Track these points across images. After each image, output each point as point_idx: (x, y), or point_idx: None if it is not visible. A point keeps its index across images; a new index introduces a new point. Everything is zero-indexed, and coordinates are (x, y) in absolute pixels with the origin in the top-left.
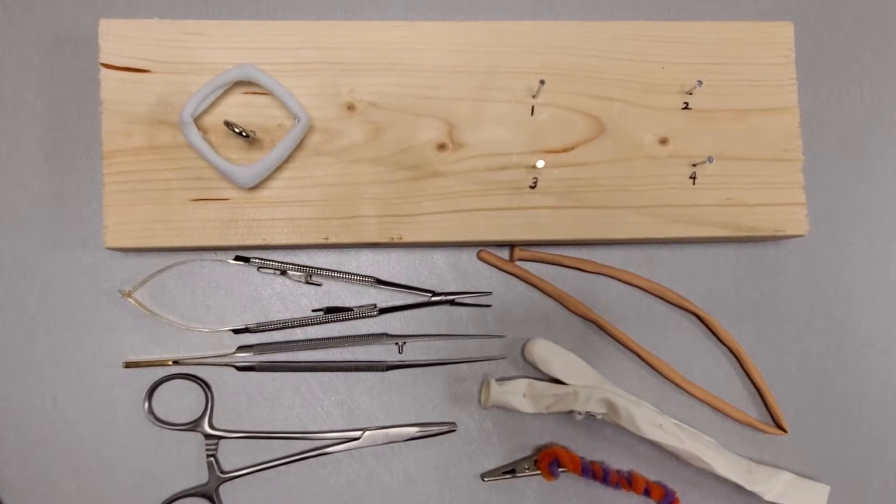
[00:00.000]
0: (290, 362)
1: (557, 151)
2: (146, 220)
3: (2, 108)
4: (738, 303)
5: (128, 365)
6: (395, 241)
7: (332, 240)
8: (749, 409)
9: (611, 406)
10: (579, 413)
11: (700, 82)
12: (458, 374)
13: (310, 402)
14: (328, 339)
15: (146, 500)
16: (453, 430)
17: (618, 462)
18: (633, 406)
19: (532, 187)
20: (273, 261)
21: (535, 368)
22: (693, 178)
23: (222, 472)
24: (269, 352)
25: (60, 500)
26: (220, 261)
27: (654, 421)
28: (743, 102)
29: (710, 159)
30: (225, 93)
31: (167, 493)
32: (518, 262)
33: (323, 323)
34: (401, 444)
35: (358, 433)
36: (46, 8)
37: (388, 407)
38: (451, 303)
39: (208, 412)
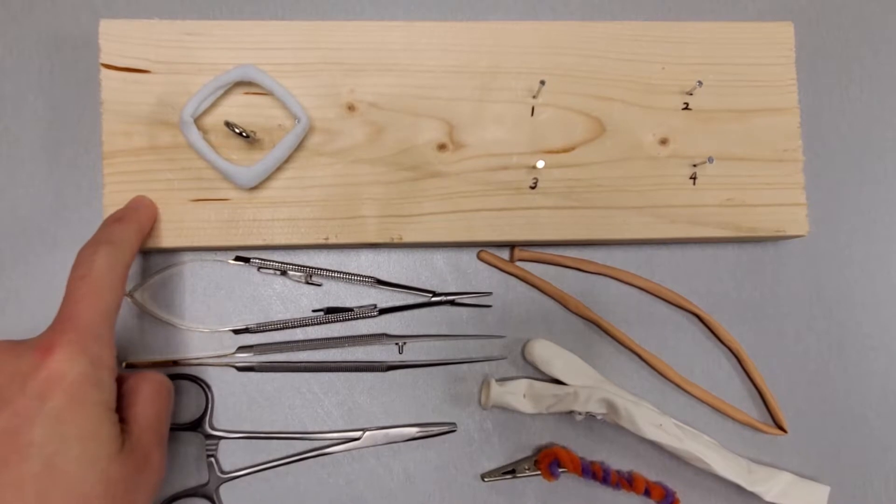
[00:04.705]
0: (290, 363)
1: (558, 152)
2: None
3: (2, 108)
4: (739, 303)
5: (128, 365)
6: (396, 241)
7: (333, 240)
8: (749, 409)
9: (611, 406)
10: (579, 413)
11: (700, 83)
12: (458, 374)
13: (310, 403)
14: (328, 339)
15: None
16: (453, 431)
17: (618, 462)
18: (634, 406)
19: (532, 188)
20: (273, 261)
21: (536, 369)
22: (693, 178)
23: (222, 472)
24: (269, 352)
25: None
26: (221, 261)
27: (654, 421)
28: (743, 103)
29: (710, 160)
30: (225, 93)
31: (167, 493)
32: (518, 263)
33: (323, 323)
34: (401, 444)
35: (358, 433)
36: (46, 8)
37: (388, 407)
38: (452, 303)
39: (208, 412)
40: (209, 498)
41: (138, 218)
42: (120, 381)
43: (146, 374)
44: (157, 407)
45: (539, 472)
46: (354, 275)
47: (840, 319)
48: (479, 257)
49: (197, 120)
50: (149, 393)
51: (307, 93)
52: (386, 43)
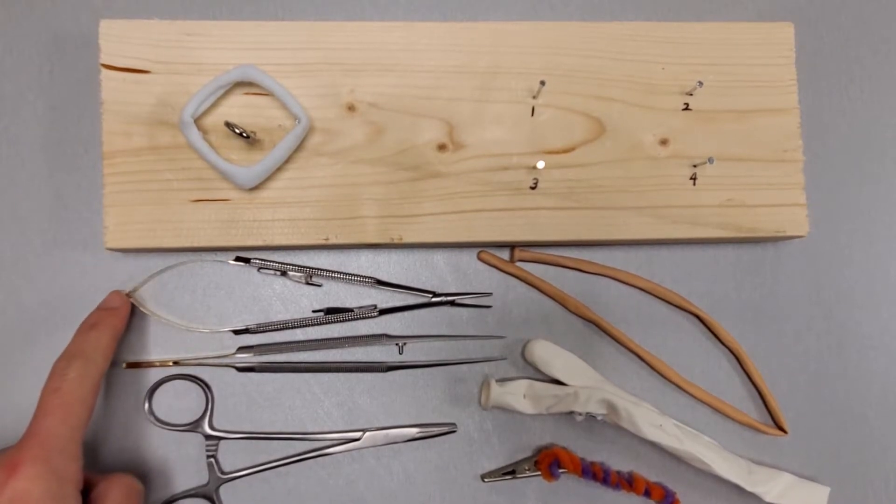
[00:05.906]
0: (290, 363)
1: (558, 152)
2: (147, 220)
3: (2, 108)
4: (739, 303)
5: (129, 365)
6: (396, 241)
7: (333, 240)
8: (749, 409)
9: (611, 407)
10: (580, 414)
11: (700, 83)
12: (458, 374)
13: (310, 403)
14: (328, 339)
15: (146, 500)
16: (454, 431)
17: (618, 463)
18: (634, 407)
19: (532, 188)
20: (273, 261)
21: (536, 369)
22: (693, 178)
23: (222, 472)
24: (269, 352)
25: None
26: (221, 261)
27: (654, 422)
28: (743, 103)
29: (710, 160)
30: (226, 93)
31: (167, 494)
32: (518, 263)
33: (323, 324)
34: (401, 444)
35: (358, 434)
36: (46, 8)
37: (388, 407)
38: (452, 303)
39: (208, 413)
40: (209, 498)
41: (113, 322)
42: (89, 485)
43: (115, 479)
44: None
45: (539, 473)
46: (354, 275)
47: (840, 319)
48: (479, 257)
49: (197, 120)
50: (117, 498)
51: (307, 93)
52: (386, 43)
